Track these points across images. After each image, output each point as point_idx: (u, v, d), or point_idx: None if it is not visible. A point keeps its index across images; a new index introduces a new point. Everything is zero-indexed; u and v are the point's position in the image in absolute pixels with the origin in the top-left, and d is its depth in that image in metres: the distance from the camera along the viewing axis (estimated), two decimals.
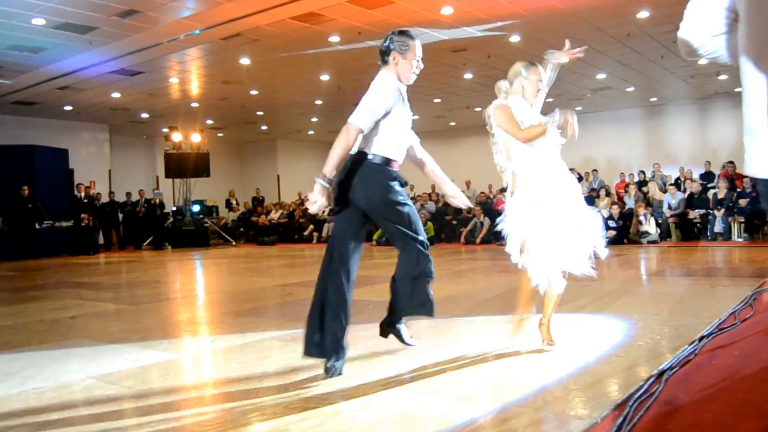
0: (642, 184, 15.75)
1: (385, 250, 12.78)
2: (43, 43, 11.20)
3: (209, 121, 19.95)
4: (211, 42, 11.38)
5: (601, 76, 15.23)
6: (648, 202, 14.18)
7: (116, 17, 9.87)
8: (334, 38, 11.33)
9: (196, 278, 9.73)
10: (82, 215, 16.11)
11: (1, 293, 7.89)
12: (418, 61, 3.40)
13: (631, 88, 17.02)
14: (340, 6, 9.70)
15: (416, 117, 19.56)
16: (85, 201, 16.72)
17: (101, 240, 17.09)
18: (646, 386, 2.69)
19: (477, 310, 5.19)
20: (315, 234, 18.15)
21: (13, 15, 9.73)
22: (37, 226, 14.86)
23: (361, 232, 3.32)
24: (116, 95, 15.55)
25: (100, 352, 4.03)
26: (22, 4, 9.25)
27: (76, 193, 16.91)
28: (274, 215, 19.70)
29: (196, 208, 19.00)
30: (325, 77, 14.41)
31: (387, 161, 3.28)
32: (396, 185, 3.27)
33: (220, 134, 22.68)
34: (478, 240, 14.79)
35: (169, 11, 9.68)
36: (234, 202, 21.46)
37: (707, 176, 15.78)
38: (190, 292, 7.83)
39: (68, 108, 17.00)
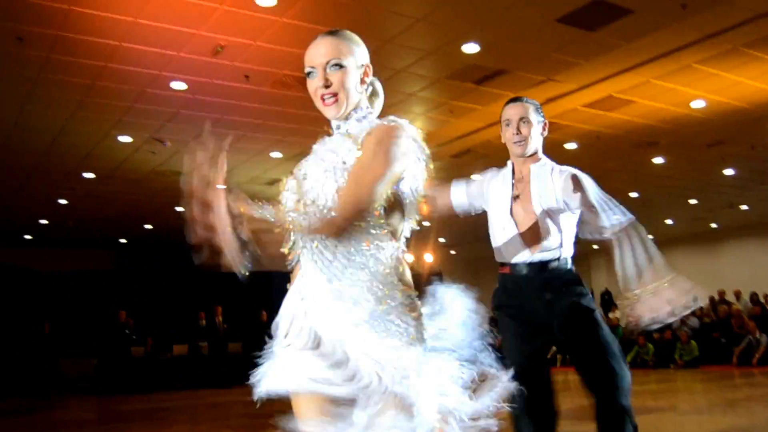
0: None
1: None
2: (279, 175, 12.61)
3: (442, 240, 20.76)
4: (441, 160, 12.08)
5: None
6: None
7: None
8: (571, 145, 11.55)
9: None
10: None
11: (245, 419, 8.69)
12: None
13: None
14: (574, 112, 9.97)
15: (669, 221, 18.96)
16: None
17: None
18: None
19: None
20: (558, 356, 17.84)
21: (254, 151, 11.18)
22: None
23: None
24: None
25: None
26: (262, 140, 10.63)
27: None
28: None
29: None
30: None
31: None
32: None
33: (452, 251, 23.44)
34: (754, 361, 13.71)
35: None
36: None
37: None
38: None
39: None
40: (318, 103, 2.16)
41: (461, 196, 3.66)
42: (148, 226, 17.05)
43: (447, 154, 11.76)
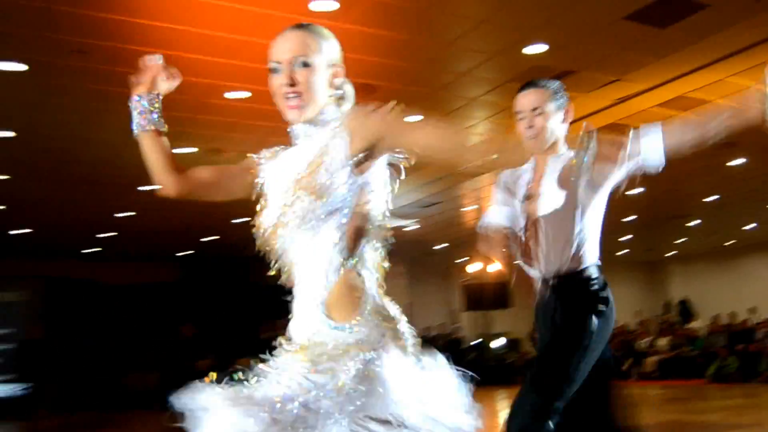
0: None
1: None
2: None
3: None
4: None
5: None
6: None
7: None
8: None
9: None
10: None
11: None
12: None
13: None
14: (646, 113, 9.74)
15: (751, 225, 18.38)
16: None
17: None
18: None
19: None
20: (633, 370, 17.51)
21: None
22: None
23: None
24: (410, 228, 16.84)
25: None
26: None
27: None
28: None
29: (497, 342, 19.36)
30: (635, 190, 14.26)
31: None
32: None
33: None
34: None
35: None
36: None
37: None
38: None
39: None
40: (280, 103, 2.04)
41: (506, 220, 3.13)
42: (210, 238, 17.30)
43: None
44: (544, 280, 2.91)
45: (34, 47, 6.94)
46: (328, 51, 2.02)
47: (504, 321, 20.12)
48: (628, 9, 6.87)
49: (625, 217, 16.88)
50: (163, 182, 2.20)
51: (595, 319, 2.77)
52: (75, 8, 6.20)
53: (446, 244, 19.43)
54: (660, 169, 2.64)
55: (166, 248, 17.92)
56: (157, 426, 10.67)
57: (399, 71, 8.06)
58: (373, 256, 2.05)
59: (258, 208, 2.08)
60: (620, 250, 22.16)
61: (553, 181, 2.89)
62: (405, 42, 7.37)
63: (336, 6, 6.51)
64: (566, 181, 2.84)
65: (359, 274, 1.96)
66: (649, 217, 16.78)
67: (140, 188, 12.51)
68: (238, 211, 14.51)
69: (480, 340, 19.25)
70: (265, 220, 2.03)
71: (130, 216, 14.36)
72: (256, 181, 2.14)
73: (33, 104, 8.47)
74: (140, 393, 14.17)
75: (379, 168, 2.02)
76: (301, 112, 2.00)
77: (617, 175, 2.80)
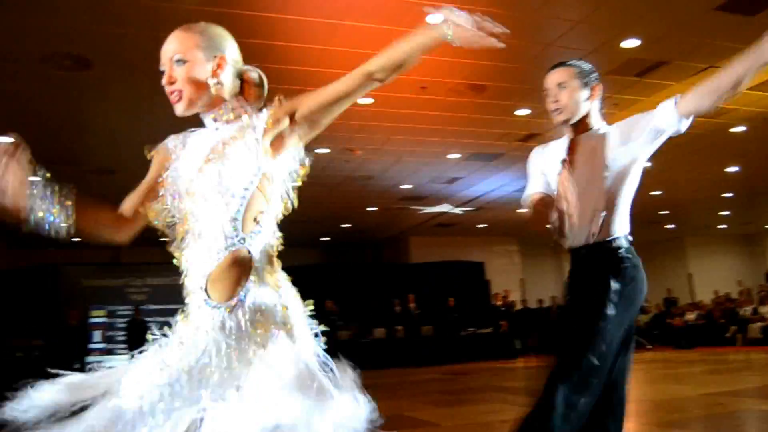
0: None
1: None
2: (457, 173, 12.74)
3: None
4: None
5: None
6: None
7: (518, 142, 10.78)
8: (739, 129, 10.70)
9: None
10: (500, 322, 17.14)
11: (440, 395, 8.82)
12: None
13: None
14: (740, 96, 9.24)
15: None
16: (502, 309, 17.83)
17: (518, 345, 17.89)
18: None
19: None
20: (738, 336, 16.63)
21: (433, 154, 11.32)
22: (461, 333, 16.26)
23: None
24: (522, 210, 16.63)
25: None
26: (440, 144, 10.74)
27: (492, 302, 18.21)
28: (690, 316, 18.56)
29: None
30: (731, 169, 13.55)
31: None
32: None
33: None
34: None
35: None
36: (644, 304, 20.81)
37: None
38: None
39: (481, 226, 18.62)
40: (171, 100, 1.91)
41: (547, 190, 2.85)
42: (346, 225, 17.70)
43: None
44: (574, 251, 2.71)
45: None
46: (208, 45, 1.90)
47: None
48: (718, 0, 6.57)
49: (724, 193, 16.09)
50: (118, 239, 1.99)
51: (620, 284, 2.51)
52: None
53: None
54: (682, 131, 2.53)
55: (311, 234, 18.50)
56: None
57: (505, 71, 8.00)
58: (268, 239, 1.89)
59: (162, 191, 1.91)
60: (720, 224, 21.13)
61: (584, 156, 2.69)
62: (510, 45, 7.28)
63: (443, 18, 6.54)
64: (597, 156, 2.65)
65: (249, 253, 1.79)
66: (746, 193, 15.91)
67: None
68: (373, 200, 14.86)
69: None
70: (168, 197, 1.89)
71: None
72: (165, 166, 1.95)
73: None
74: None
75: (288, 155, 1.90)
76: (185, 105, 1.88)
77: (646, 149, 2.62)
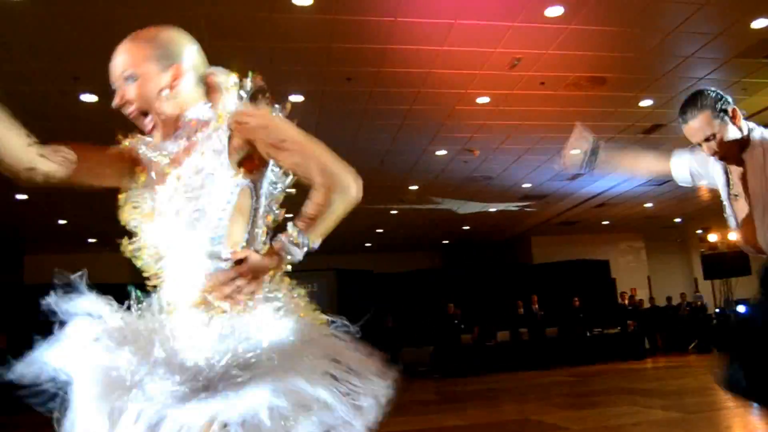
0: None
1: None
2: (578, 170, 12.36)
3: None
4: None
5: None
6: None
7: (642, 135, 10.36)
8: None
9: None
10: (628, 322, 16.53)
11: (567, 398, 8.60)
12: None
13: None
14: None
15: None
16: (629, 308, 17.20)
17: (647, 345, 17.21)
18: None
19: None
20: None
21: (553, 150, 11.06)
22: (587, 334, 15.81)
23: None
24: (648, 205, 15.99)
25: None
26: (560, 140, 10.47)
27: (619, 301, 17.60)
28: None
29: (741, 308, 17.80)
30: None
31: None
32: None
33: None
34: None
35: None
36: None
37: None
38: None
39: (605, 223, 18.04)
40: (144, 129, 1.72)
41: (683, 169, 2.93)
42: (466, 227, 17.61)
43: None
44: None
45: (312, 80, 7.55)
46: (160, 54, 1.69)
47: (744, 288, 18.46)
48: None
49: None
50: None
51: None
52: (345, 43, 6.65)
53: (680, 219, 18.26)
54: None
55: (431, 238, 18.56)
56: (434, 391, 11.06)
57: (625, 62, 7.70)
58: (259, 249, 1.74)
59: (135, 201, 1.74)
60: None
61: (754, 175, 2.60)
62: (629, 35, 7.06)
63: (561, 11, 6.43)
64: (763, 169, 2.56)
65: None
66: None
67: (405, 188, 13.06)
68: (493, 200, 14.72)
69: (722, 307, 17.80)
70: (141, 213, 1.72)
71: (397, 213, 15.07)
72: (136, 169, 1.78)
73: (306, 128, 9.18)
74: (416, 364, 14.65)
75: (266, 171, 1.75)
76: (152, 123, 1.71)
77: None
